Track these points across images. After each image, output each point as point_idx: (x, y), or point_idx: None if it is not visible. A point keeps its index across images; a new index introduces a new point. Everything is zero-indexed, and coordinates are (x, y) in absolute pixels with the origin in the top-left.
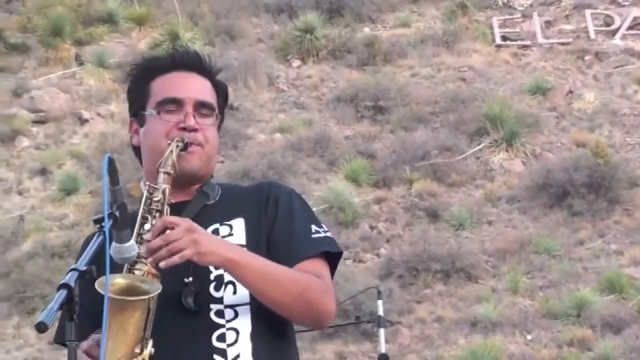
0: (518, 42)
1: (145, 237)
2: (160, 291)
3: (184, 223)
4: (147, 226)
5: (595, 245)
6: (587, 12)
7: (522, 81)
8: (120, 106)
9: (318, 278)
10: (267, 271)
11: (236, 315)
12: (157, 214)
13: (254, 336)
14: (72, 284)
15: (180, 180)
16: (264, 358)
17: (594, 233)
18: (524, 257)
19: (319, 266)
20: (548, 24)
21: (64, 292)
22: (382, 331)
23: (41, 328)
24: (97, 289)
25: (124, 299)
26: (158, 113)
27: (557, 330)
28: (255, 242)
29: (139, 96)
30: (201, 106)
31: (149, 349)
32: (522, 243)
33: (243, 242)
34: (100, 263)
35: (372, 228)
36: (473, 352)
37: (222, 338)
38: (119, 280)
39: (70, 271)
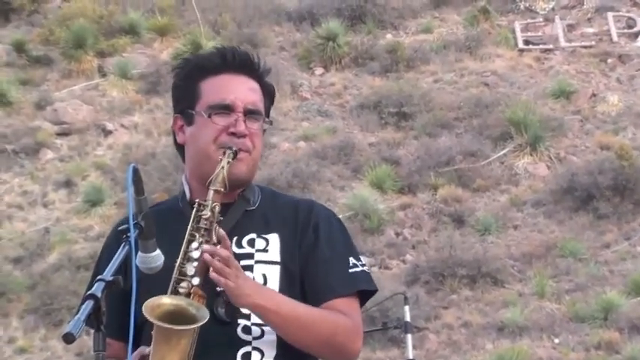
0: (541, 46)
1: (192, 255)
2: (207, 319)
3: (235, 262)
4: (194, 245)
5: (621, 248)
6: (610, 15)
7: (545, 85)
8: (143, 117)
9: (347, 319)
10: (296, 316)
11: (262, 334)
12: (205, 233)
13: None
14: (98, 295)
15: (229, 186)
16: None
17: (620, 236)
18: (551, 261)
19: (351, 305)
20: (570, 27)
21: (90, 303)
22: (409, 336)
23: (69, 338)
24: (145, 314)
25: (175, 328)
26: (209, 116)
27: (585, 333)
28: (288, 262)
29: (188, 94)
30: (250, 112)
31: None
32: (548, 247)
33: (278, 259)
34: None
35: (397, 234)
36: (500, 357)
37: (247, 357)
38: (166, 301)
39: (96, 281)
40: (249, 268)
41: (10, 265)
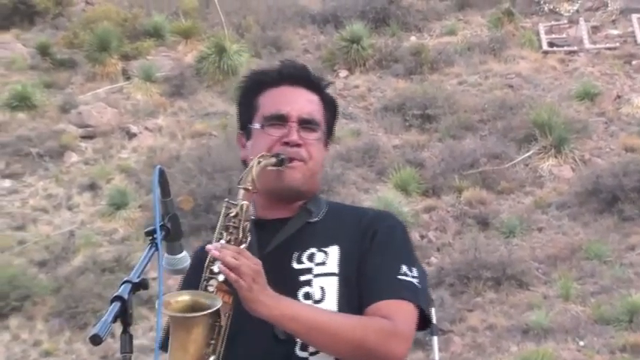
0: (565, 48)
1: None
2: (218, 307)
3: (257, 265)
4: (222, 242)
5: None
6: (634, 16)
7: (570, 87)
8: (168, 120)
9: (386, 322)
10: (317, 323)
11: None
12: (234, 231)
13: None
14: (125, 296)
15: (283, 196)
16: None
17: None
18: (575, 263)
19: (395, 308)
20: (594, 29)
21: (117, 304)
22: (435, 339)
23: (96, 340)
24: (157, 307)
25: (185, 316)
26: (262, 127)
27: (610, 336)
28: (347, 272)
29: (247, 110)
30: (305, 122)
31: None
32: (573, 249)
33: (336, 271)
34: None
35: (422, 237)
36: None
37: None
38: (184, 297)
39: (123, 283)
40: (308, 282)
41: (35, 268)
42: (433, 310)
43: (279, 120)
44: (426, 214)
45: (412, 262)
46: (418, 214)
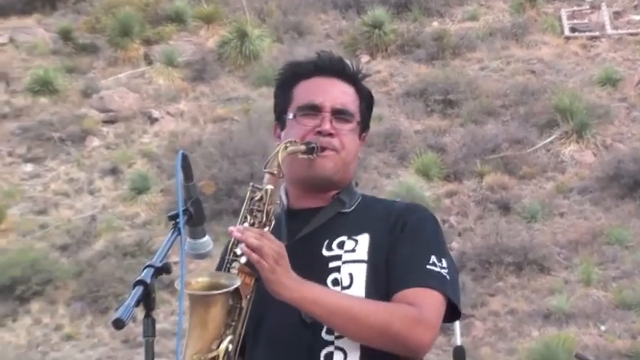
0: (587, 33)
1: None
2: (235, 287)
3: (280, 248)
4: (245, 225)
5: None
6: None
7: (592, 72)
8: (189, 105)
9: (412, 309)
10: (340, 307)
11: None
12: (258, 214)
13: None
14: (148, 280)
15: (314, 185)
16: None
17: None
18: (597, 248)
19: (423, 296)
20: (616, 15)
21: (140, 289)
22: (457, 323)
23: (118, 324)
24: (177, 287)
25: (202, 294)
26: (295, 117)
27: (632, 320)
28: (376, 260)
29: (282, 100)
30: (339, 112)
31: (225, 344)
32: (594, 234)
33: (365, 258)
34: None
35: (443, 222)
36: (546, 344)
37: (329, 358)
38: (204, 279)
39: (145, 267)
40: (337, 269)
41: (56, 252)
42: None
43: (313, 110)
44: (448, 199)
45: (442, 254)
46: (440, 199)
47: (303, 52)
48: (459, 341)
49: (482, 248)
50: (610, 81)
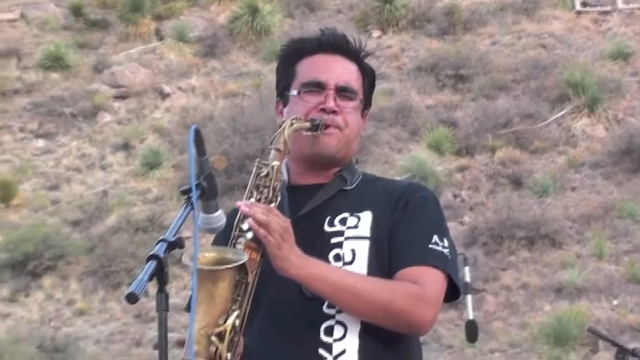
0: (598, 8)
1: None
2: (242, 262)
3: (286, 224)
4: (252, 200)
5: None
6: None
7: (603, 47)
8: (201, 80)
9: (415, 286)
10: (344, 284)
11: None
12: (264, 190)
13: (363, 334)
14: (161, 255)
15: (317, 162)
16: (372, 358)
17: None
18: (609, 222)
19: (425, 274)
20: None
21: (153, 263)
22: (469, 297)
23: (131, 299)
24: (185, 261)
25: (210, 269)
26: (299, 94)
27: None
28: (379, 237)
29: (285, 77)
30: (343, 90)
31: (232, 319)
32: (606, 208)
33: (368, 235)
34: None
35: (455, 196)
36: (558, 319)
37: (329, 331)
38: (211, 254)
39: (158, 242)
40: (339, 244)
41: (68, 227)
42: (467, 269)
43: (317, 87)
44: (459, 174)
45: (444, 233)
46: (451, 174)
47: (314, 27)
48: (471, 315)
49: (494, 223)
50: (621, 55)
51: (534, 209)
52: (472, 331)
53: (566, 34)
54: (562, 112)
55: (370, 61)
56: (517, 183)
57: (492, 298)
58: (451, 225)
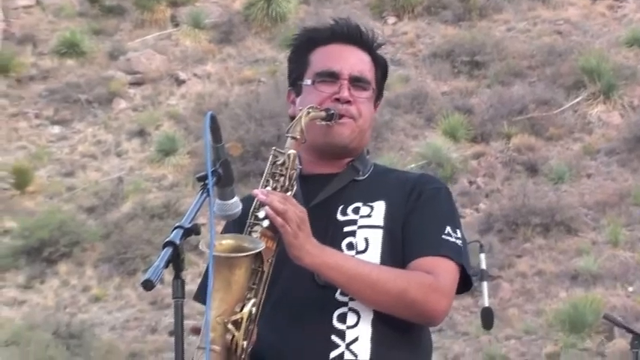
0: None
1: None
2: (259, 249)
3: (303, 213)
4: (268, 189)
5: None
6: None
7: (619, 33)
8: (216, 67)
9: (428, 276)
10: (359, 273)
11: None
12: (280, 179)
13: (376, 322)
14: (177, 241)
15: (330, 152)
16: (384, 345)
17: None
18: (624, 209)
19: (438, 265)
20: None
21: (169, 250)
22: (485, 284)
23: (148, 285)
24: (202, 248)
25: (227, 256)
26: (313, 84)
27: None
28: (392, 226)
29: (298, 66)
30: (356, 80)
31: (249, 307)
32: (622, 195)
33: (381, 224)
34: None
35: (470, 183)
36: (574, 305)
37: (342, 319)
38: (228, 241)
39: (174, 228)
40: (352, 233)
41: (84, 214)
42: (483, 256)
43: (331, 77)
44: (475, 161)
45: (456, 225)
46: (467, 161)
47: (330, 13)
48: (486, 302)
49: (509, 210)
50: (637, 42)
51: (550, 196)
52: (488, 318)
53: (581, 20)
54: (577, 99)
55: (386, 48)
56: (532, 170)
57: (508, 285)
58: (466, 212)
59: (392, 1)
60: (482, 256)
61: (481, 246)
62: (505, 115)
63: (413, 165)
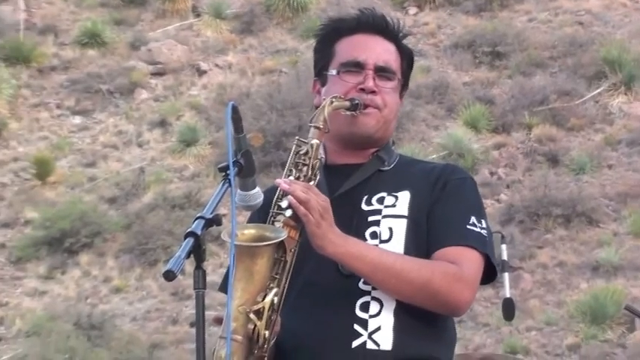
0: None
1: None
2: (281, 239)
3: (325, 202)
4: (291, 178)
5: None
6: None
7: None
8: (237, 57)
9: (453, 266)
10: (383, 263)
11: None
12: (303, 168)
13: (398, 311)
14: (199, 232)
15: (355, 142)
16: (407, 335)
17: None
18: None
19: (462, 254)
20: None
21: (191, 240)
22: (507, 275)
23: (169, 276)
24: (224, 238)
25: (249, 245)
26: (338, 73)
27: None
28: (416, 216)
29: (323, 56)
30: (382, 70)
31: (270, 297)
32: None
33: (405, 214)
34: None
35: (492, 174)
36: (595, 297)
37: (365, 308)
38: (250, 231)
39: (196, 219)
40: (376, 222)
41: (105, 204)
42: (504, 247)
43: (356, 67)
44: (496, 151)
45: (481, 215)
46: (488, 151)
47: (351, 3)
48: (507, 293)
49: (530, 200)
50: None
51: (571, 187)
52: (509, 310)
53: (603, 11)
54: (599, 90)
55: (407, 39)
56: (554, 160)
57: (529, 276)
58: (488, 202)
59: None
60: (504, 247)
61: (502, 237)
62: (526, 106)
63: (434, 156)
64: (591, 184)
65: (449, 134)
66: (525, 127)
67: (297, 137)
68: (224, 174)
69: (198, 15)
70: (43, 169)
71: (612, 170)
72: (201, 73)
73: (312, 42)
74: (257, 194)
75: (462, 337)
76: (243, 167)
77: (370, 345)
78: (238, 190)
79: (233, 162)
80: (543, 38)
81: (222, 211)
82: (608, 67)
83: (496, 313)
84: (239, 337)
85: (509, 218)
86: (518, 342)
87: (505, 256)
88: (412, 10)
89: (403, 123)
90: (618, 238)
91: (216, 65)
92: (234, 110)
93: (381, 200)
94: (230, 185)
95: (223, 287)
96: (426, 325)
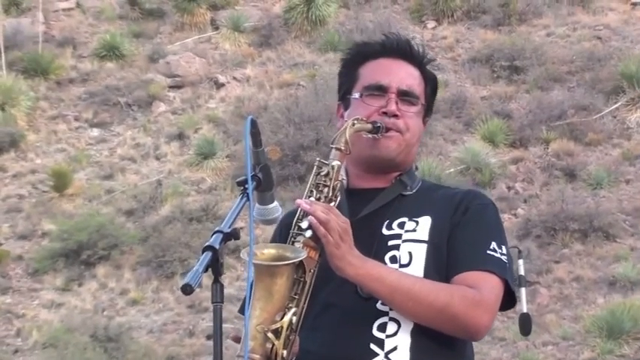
0: None
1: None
2: (301, 258)
3: (346, 224)
4: (312, 199)
5: None
6: None
7: None
8: (255, 70)
9: (472, 291)
10: (401, 286)
11: None
12: (324, 189)
13: (415, 332)
14: (217, 246)
15: (376, 165)
16: (423, 355)
17: None
18: None
19: (482, 279)
20: None
21: (209, 254)
22: (524, 290)
23: (187, 290)
24: (242, 256)
25: (269, 264)
26: (361, 97)
27: None
28: (437, 241)
29: (347, 80)
30: (405, 94)
31: (289, 316)
32: None
33: (426, 239)
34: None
35: (509, 188)
36: (612, 312)
37: (382, 328)
38: (270, 250)
39: (214, 233)
40: (396, 247)
41: (122, 217)
42: (521, 262)
43: (379, 90)
44: (513, 166)
45: (502, 241)
46: (505, 166)
47: (369, 17)
48: (524, 308)
49: (547, 215)
50: None
51: (588, 202)
52: (526, 324)
53: (621, 25)
54: (617, 105)
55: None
56: (571, 175)
57: (545, 290)
58: (505, 217)
59: (432, 5)
60: (521, 261)
61: (519, 252)
62: (544, 121)
63: (451, 170)
64: (608, 199)
65: (466, 148)
66: (543, 141)
67: (318, 158)
68: (242, 188)
69: (216, 28)
70: (60, 182)
71: (630, 185)
72: (219, 86)
73: (330, 55)
74: (275, 208)
75: (478, 351)
76: (261, 181)
77: None
78: (256, 205)
79: (251, 176)
80: (561, 53)
81: (239, 224)
82: (626, 82)
83: (512, 328)
84: (257, 357)
85: (527, 233)
86: (534, 356)
87: (522, 271)
88: (430, 24)
89: (421, 137)
90: (635, 253)
91: (234, 78)
92: (253, 124)
93: (401, 225)
94: (248, 199)
95: (243, 309)
96: (443, 346)
